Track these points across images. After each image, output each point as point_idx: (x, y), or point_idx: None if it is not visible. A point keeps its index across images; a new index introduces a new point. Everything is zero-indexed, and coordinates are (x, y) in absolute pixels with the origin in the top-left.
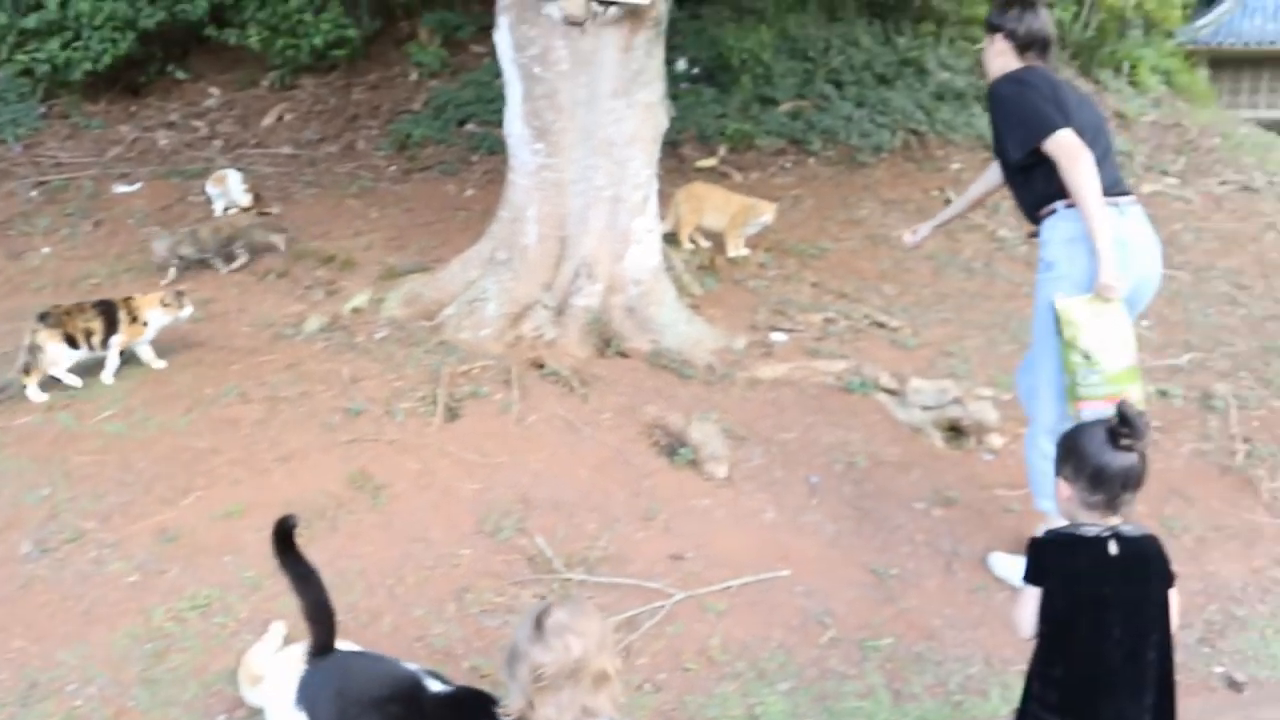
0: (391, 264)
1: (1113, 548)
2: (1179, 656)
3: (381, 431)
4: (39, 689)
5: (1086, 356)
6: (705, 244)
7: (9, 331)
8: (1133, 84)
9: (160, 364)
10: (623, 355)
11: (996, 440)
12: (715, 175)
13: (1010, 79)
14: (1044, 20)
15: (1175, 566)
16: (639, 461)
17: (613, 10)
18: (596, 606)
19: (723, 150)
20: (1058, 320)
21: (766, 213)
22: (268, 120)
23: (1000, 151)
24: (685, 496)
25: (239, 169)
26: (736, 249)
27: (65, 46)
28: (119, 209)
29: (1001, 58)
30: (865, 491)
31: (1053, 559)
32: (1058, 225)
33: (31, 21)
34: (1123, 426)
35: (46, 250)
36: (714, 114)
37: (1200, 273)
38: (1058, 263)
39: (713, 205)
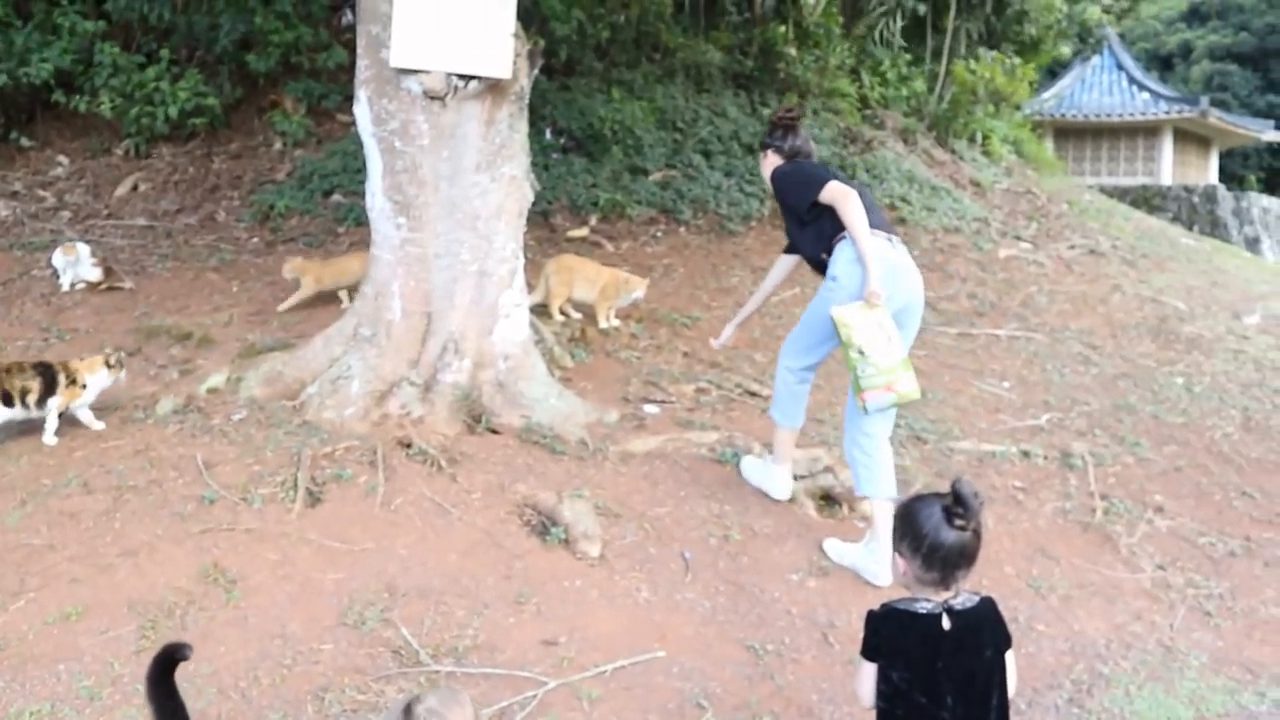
0: (252, 341)
1: (945, 623)
2: (1048, 719)
3: (237, 520)
4: None
5: (861, 353)
6: (576, 315)
7: None
8: (985, 154)
9: (99, 425)
10: (493, 431)
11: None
12: (587, 244)
13: (781, 167)
14: (804, 137)
15: (1042, 626)
16: (510, 543)
17: (474, 85)
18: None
19: (594, 220)
20: (835, 326)
21: (638, 288)
22: (121, 190)
23: (791, 223)
24: (558, 578)
25: (89, 242)
26: (607, 320)
27: None
28: None
29: (770, 168)
30: (740, 565)
31: (887, 635)
32: (844, 249)
33: None
34: (957, 506)
35: None
36: (585, 183)
37: (1055, 334)
38: (840, 276)
39: (584, 277)
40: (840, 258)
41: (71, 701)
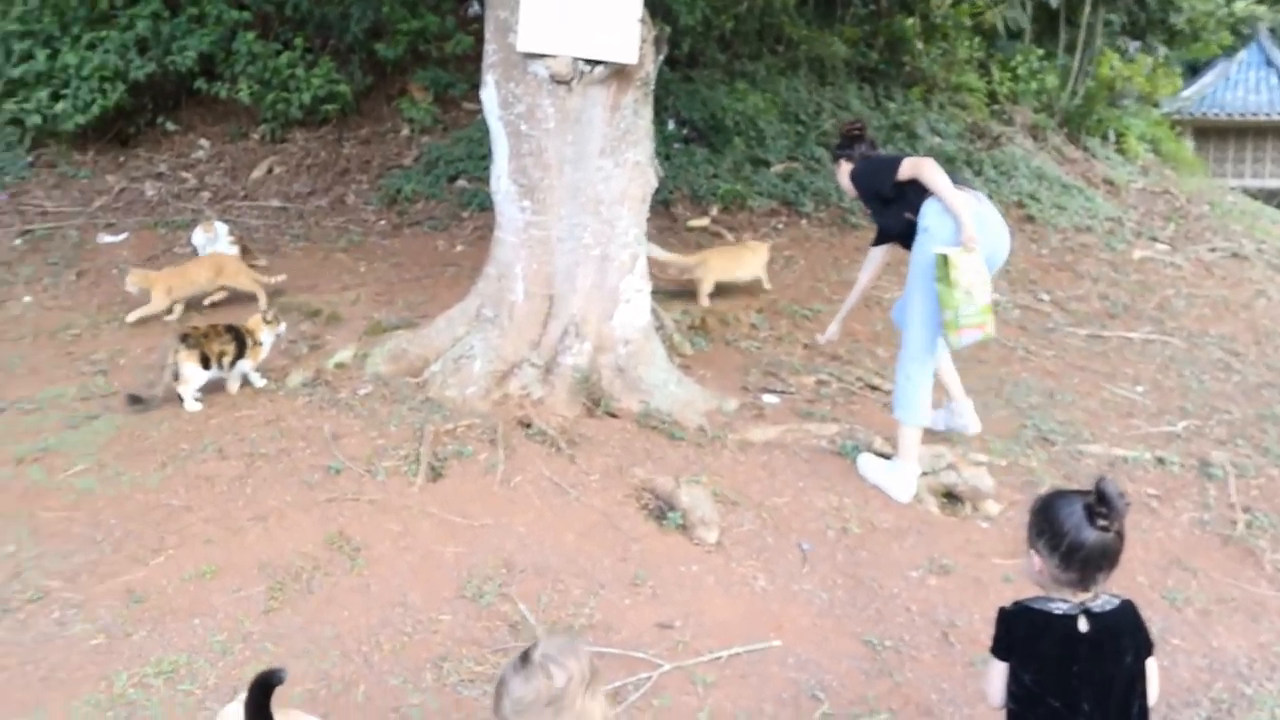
0: (378, 319)
1: (1082, 624)
2: None
3: (362, 491)
4: None
5: (968, 292)
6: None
7: None
8: (1120, 152)
9: (263, 382)
10: (611, 415)
11: (993, 507)
12: (707, 234)
13: (855, 166)
14: (870, 142)
15: (1178, 640)
16: (627, 525)
17: (599, 69)
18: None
19: (715, 210)
20: (941, 265)
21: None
22: (257, 173)
23: (875, 211)
24: (674, 562)
25: (226, 221)
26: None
27: (54, 97)
28: (103, 259)
29: (847, 175)
30: (859, 559)
31: (1019, 634)
32: (931, 203)
33: (19, 71)
34: (1101, 505)
35: (28, 299)
36: (706, 174)
37: (1193, 339)
38: (931, 226)
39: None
40: (928, 210)
41: (205, 654)
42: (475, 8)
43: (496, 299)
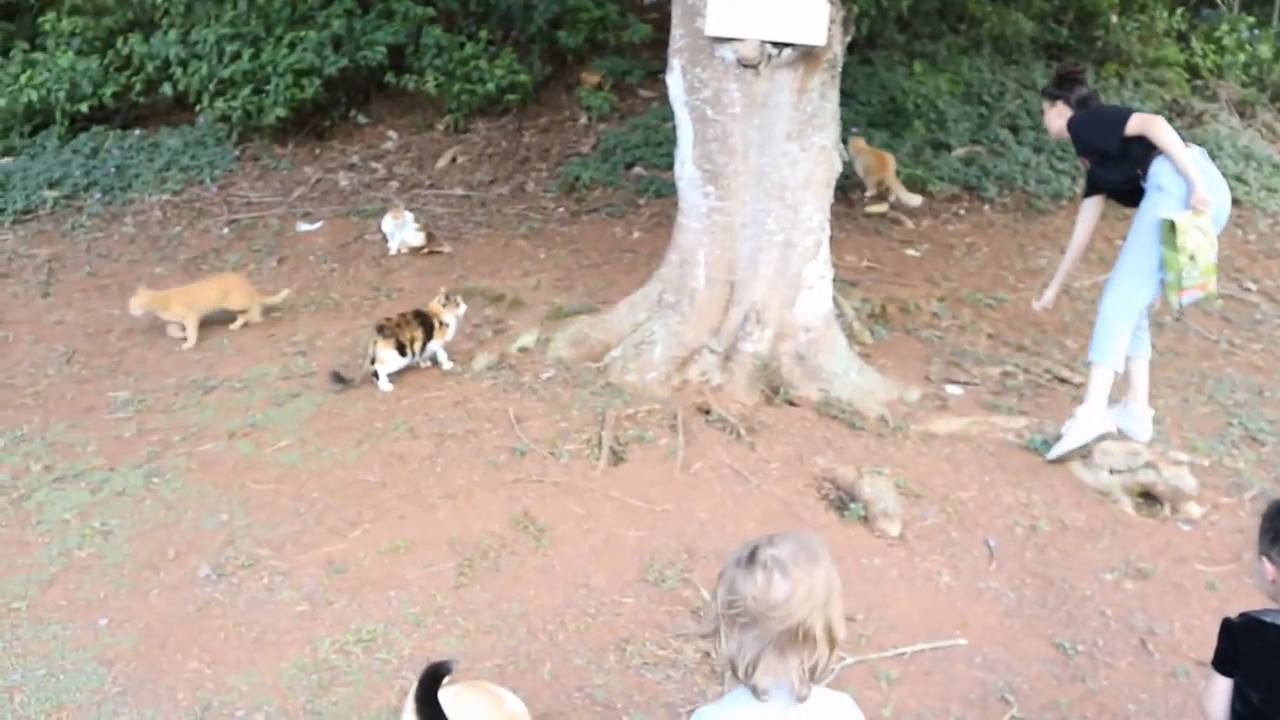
0: (559, 304)
1: None
2: None
3: (546, 473)
4: (211, 712)
5: (1191, 257)
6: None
7: (197, 361)
8: None
9: (450, 364)
10: (791, 404)
11: (1195, 509)
12: (886, 221)
13: (1076, 116)
14: (1089, 86)
15: None
16: (808, 515)
17: (787, 52)
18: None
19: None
20: (1168, 231)
21: None
22: (442, 162)
23: (1095, 165)
24: (856, 554)
25: (413, 209)
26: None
27: (256, 93)
28: (301, 246)
29: (1061, 118)
30: (1048, 558)
31: (1246, 649)
32: (1162, 162)
33: (228, 71)
34: None
35: None
36: None
37: None
38: (1166, 185)
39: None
40: (1162, 170)
41: (400, 625)
42: None
43: (678, 285)
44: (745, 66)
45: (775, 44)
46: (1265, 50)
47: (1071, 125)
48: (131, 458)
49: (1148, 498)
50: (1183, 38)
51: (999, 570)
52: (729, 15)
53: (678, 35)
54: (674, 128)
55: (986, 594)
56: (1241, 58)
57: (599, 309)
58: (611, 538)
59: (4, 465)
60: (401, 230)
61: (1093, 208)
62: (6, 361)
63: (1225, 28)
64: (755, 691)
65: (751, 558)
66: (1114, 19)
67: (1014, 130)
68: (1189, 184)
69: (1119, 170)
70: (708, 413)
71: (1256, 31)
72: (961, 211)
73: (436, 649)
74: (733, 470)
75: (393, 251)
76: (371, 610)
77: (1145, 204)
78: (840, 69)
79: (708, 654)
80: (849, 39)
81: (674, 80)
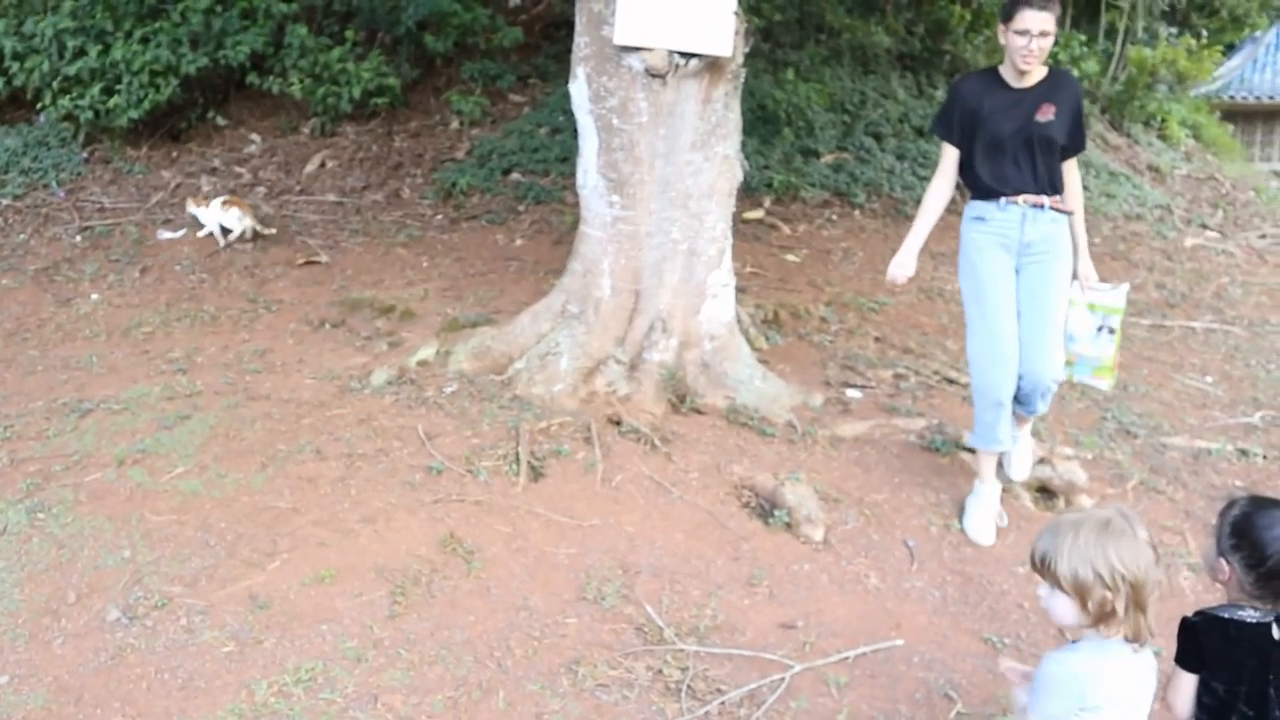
0: (452, 315)
1: (1276, 633)
2: None
3: (466, 491)
4: None
5: None
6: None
7: (64, 381)
8: (1162, 138)
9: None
10: (698, 412)
11: (1086, 501)
12: (764, 226)
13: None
14: None
15: None
16: (734, 524)
17: (694, 63)
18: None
19: (768, 201)
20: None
21: None
22: (310, 167)
23: (1068, 133)
24: (785, 561)
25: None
26: None
27: (107, 92)
28: (164, 255)
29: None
30: (964, 556)
31: (1210, 645)
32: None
33: (73, 69)
34: None
35: (95, 296)
36: (758, 165)
37: (1254, 327)
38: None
39: None
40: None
41: (340, 661)
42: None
43: (582, 295)
44: (653, 76)
45: (683, 54)
46: (1093, 65)
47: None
48: (9, 491)
49: (1044, 492)
50: None
51: (921, 570)
52: (637, 24)
53: (582, 43)
54: (549, 133)
55: (913, 594)
56: (1075, 72)
57: (496, 320)
58: (543, 556)
59: None
60: (219, 217)
61: (950, 181)
62: None
63: (1060, 44)
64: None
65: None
66: (962, 34)
67: (877, 138)
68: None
69: (1056, 166)
70: (619, 424)
71: (1085, 48)
72: (834, 217)
73: (382, 684)
74: (653, 482)
75: (222, 245)
76: (305, 647)
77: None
78: (742, 79)
79: (660, 671)
80: (747, 49)
81: (578, 88)
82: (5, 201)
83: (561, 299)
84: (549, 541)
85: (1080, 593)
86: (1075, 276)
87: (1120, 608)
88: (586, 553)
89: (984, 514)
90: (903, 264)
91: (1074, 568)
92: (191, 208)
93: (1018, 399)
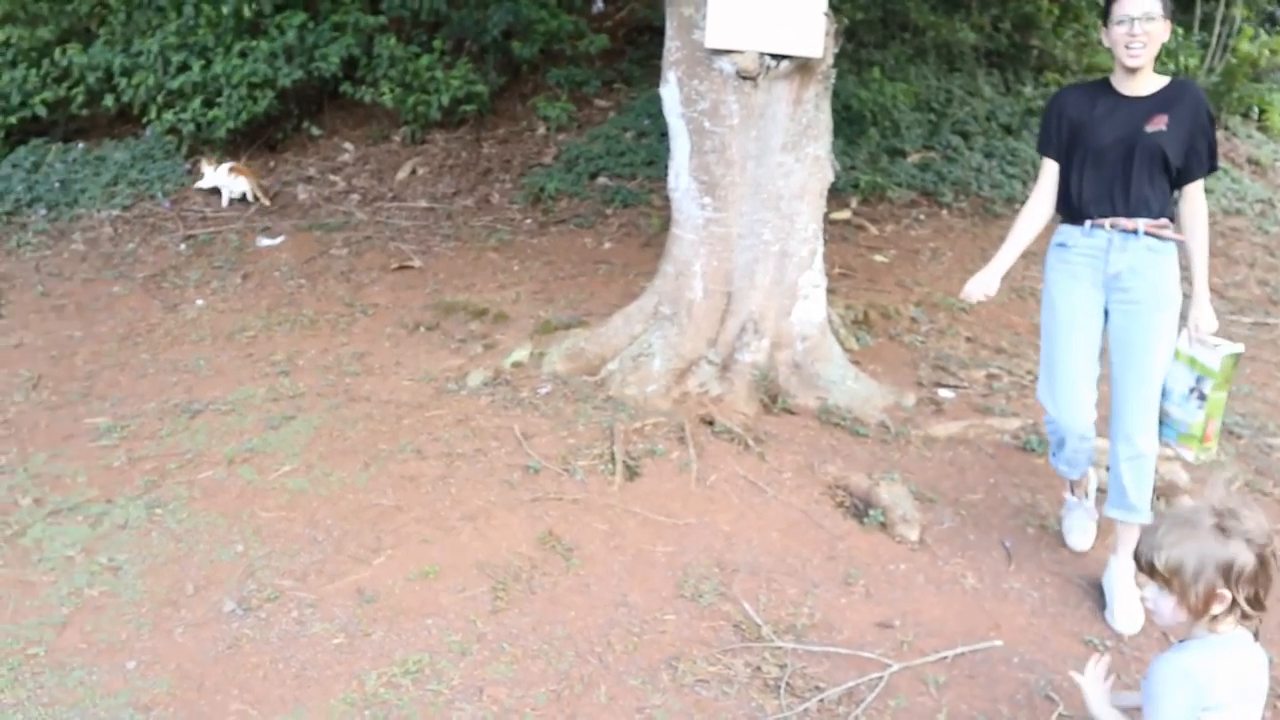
0: (544, 317)
1: None
2: None
3: (563, 490)
4: None
5: None
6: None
7: (174, 383)
8: (1262, 130)
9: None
10: (789, 412)
11: (1188, 503)
12: (850, 227)
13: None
14: None
15: None
16: (828, 524)
17: (785, 64)
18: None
19: (854, 202)
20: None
21: None
22: (401, 174)
23: (1186, 149)
24: (881, 560)
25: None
26: None
27: (207, 105)
28: (264, 262)
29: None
30: (1061, 556)
31: None
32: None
33: (176, 83)
34: None
35: (201, 302)
36: (844, 165)
37: None
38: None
39: None
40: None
41: (445, 654)
42: (599, 6)
43: (674, 296)
44: (744, 78)
45: (773, 56)
46: (1192, 60)
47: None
48: (128, 488)
49: None
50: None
51: (1018, 571)
52: (728, 27)
53: (674, 47)
54: (635, 137)
55: (1011, 594)
56: (1170, 66)
57: (588, 322)
58: (641, 554)
59: None
60: (223, 180)
61: (1048, 201)
62: None
63: None
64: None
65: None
66: (1050, 28)
67: (964, 136)
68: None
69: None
70: (711, 424)
71: (1181, 40)
72: (921, 217)
73: (487, 677)
74: (747, 481)
75: (225, 203)
76: (411, 640)
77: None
78: (833, 80)
79: (759, 668)
80: (837, 50)
81: (669, 92)
82: (115, 212)
83: (654, 301)
84: (646, 539)
85: (1192, 590)
86: (1185, 322)
87: (1234, 604)
88: (683, 551)
89: (1074, 522)
90: (984, 282)
91: (1186, 565)
92: (203, 166)
93: (1107, 475)
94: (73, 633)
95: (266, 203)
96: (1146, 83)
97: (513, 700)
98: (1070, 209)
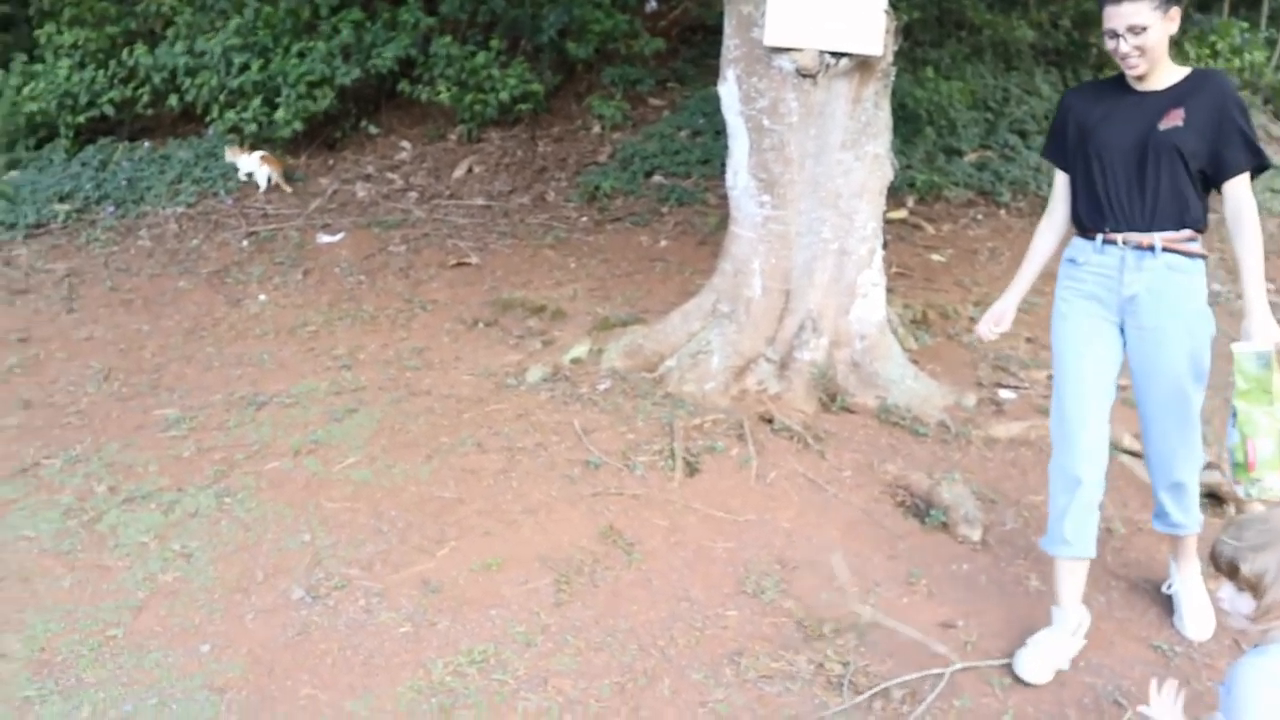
0: (602, 314)
1: None
2: None
3: (623, 485)
4: None
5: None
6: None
7: (239, 376)
8: None
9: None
10: (848, 411)
11: (1259, 509)
12: (907, 226)
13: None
14: None
15: None
16: (889, 523)
17: (844, 62)
18: None
19: (911, 201)
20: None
21: None
22: (459, 172)
23: (1210, 146)
24: (943, 560)
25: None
26: None
27: (268, 105)
28: (325, 258)
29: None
30: (1127, 560)
31: None
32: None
33: (238, 81)
34: None
35: (263, 297)
36: (900, 165)
37: None
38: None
39: None
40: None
41: (510, 645)
42: (652, 4)
43: (732, 294)
44: (803, 76)
45: (833, 53)
46: (1257, 55)
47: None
48: (197, 478)
49: (1213, 498)
50: (1176, 43)
51: None
52: (788, 25)
53: (732, 45)
54: (689, 136)
55: None
56: (1236, 63)
57: (646, 319)
58: (701, 550)
59: (67, 487)
60: (252, 167)
61: (1063, 217)
62: (42, 379)
63: (1218, 34)
64: None
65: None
66: None
67: (1022, 135)
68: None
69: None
70: (771, 421)
71: (1247, 36)
72: (979, 216)
73: (551, 668)
74: (806, 479)
75: (263, 189)
76: (476, 630)
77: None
78: (892, 78)
79: (821, 665)
80: (896, 47)
81: (727, 90)
82: (179, 209)
83: (712, 298)
84: (706, 535)
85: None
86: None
87: None
88: (744, 547)
89: (1040, 652)
90: (996, 315)
91: (1270, 569)
92: (230, 156)
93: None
94: (148, 616)
95: (288, 189)
96: (1162, 76)
97: (577, 691)
98: (1079, 221)
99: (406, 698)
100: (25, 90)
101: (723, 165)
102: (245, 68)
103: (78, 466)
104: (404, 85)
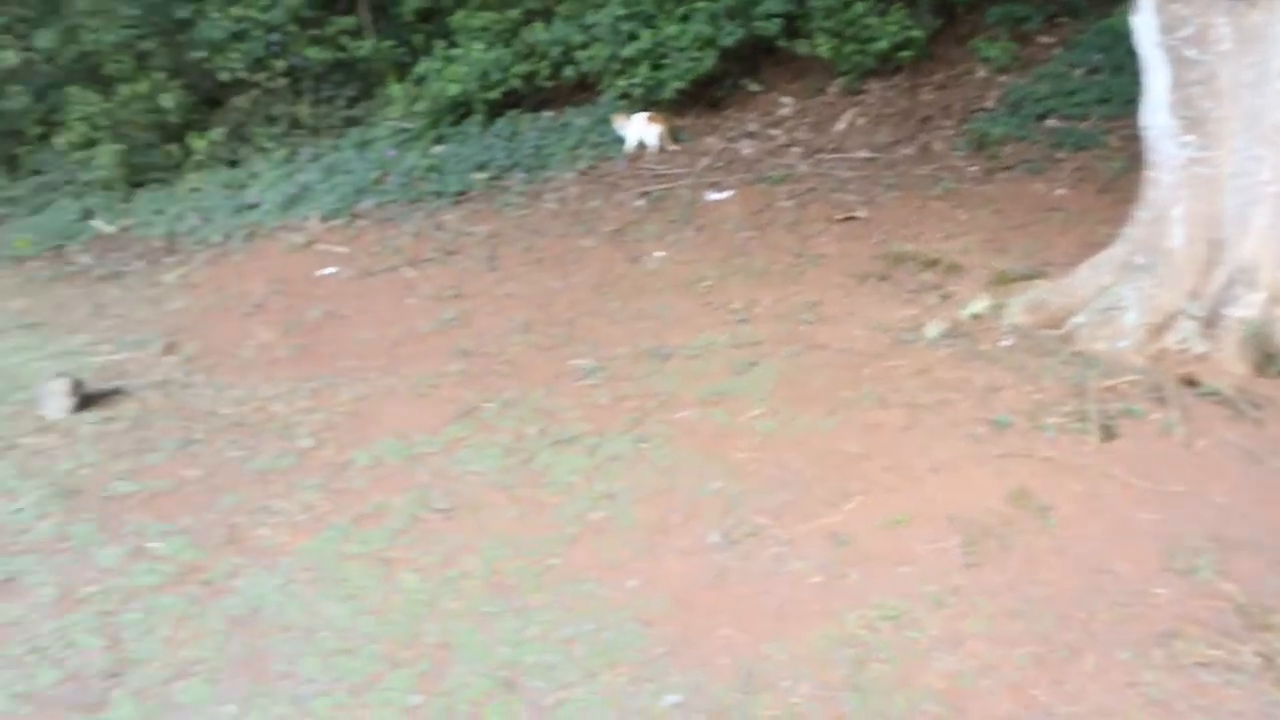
0: (998, 268)
1: None
2: None
3: (1033, 447)
4: (755, 680)
5: None
6: None
7: (642, 329)
8: None
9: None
10: None
11: None
12: None
13: None
14: None
15: None
16: None
17: None
18: None
19: None
20: None
21: None
22: (839, 126)
23: None
24: None
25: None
26: None
27: (655, 67)
28: (714, 215)
29: None
30: None
31: None
32: None
33: (628, 50)
34: None
35: (659, 254)
36: None
37: None
38: None
39: None
40: None
41: (921, 603)
42: None
43: (1150, 245)
44: None
45: None
46: None
47: None
48: (615, 424)
49: None
50: None
51: None
52: None
53: None
54: (1085, 74)
55: None
56: None
57: (1047, 272)
58: (1122, 520)
59: (503, 429)
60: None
61: None
62: (473, 330)
63: None
64: None
65: None
66: None
67: None
68: None
69: None
70: (1195, 384)
71: None
72: None
73: (964, 631)
74: (1241, 450)
75: (648, 150)
76: (886, 586)
77: None
78: None
79: (1270, 659)
80: None
81: (1143, 20)
82: (578, 173)
83: (1126, 250)
84: (1128, 505)
85: None
86: None
87: None
88: (1170, 520)
89: None
90: None
91: None
92: (617, 126)
93: None
94: (581, 550)
95: (673, 147)
96: None
97: (993, 657)
98: None
99: (820, 646)
100: (445, 73)
101: (1126, 104)
102: (634, 36)
103: (510, 410)
104: (782, 40)
